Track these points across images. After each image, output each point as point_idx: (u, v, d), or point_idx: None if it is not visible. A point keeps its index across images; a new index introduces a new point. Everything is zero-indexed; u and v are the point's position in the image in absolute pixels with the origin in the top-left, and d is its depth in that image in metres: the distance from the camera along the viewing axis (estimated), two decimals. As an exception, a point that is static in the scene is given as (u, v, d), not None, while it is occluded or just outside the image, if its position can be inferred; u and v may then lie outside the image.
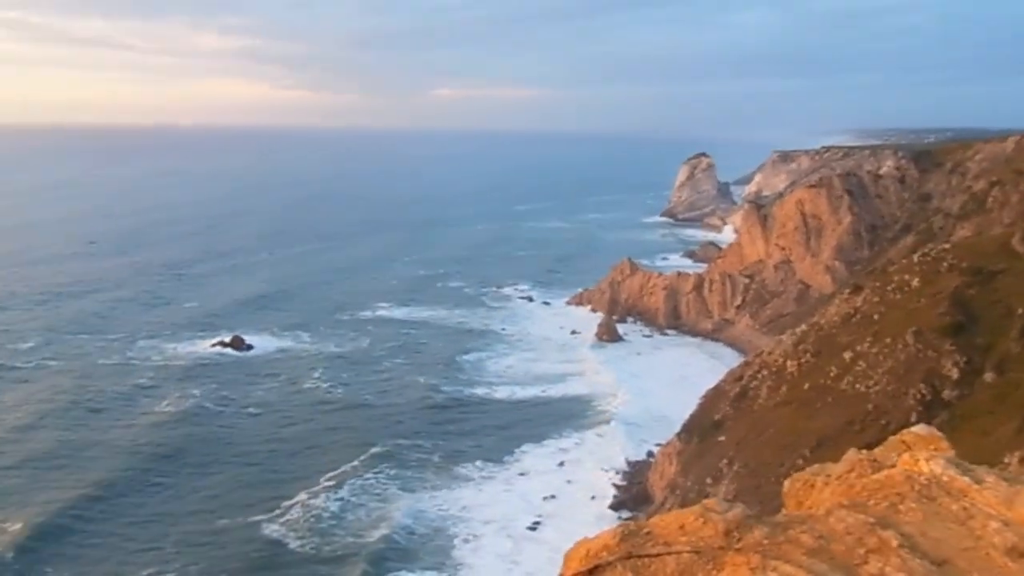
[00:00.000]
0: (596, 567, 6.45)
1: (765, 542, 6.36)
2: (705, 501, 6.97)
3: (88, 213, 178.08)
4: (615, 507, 50.54)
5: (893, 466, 7.14)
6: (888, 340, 45.65)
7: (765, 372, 54.47)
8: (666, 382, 74.90)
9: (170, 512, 48.47)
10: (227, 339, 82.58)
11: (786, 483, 7.71)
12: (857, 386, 44.40)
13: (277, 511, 48.94)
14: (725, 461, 47.00)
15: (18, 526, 45.65)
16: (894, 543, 6.10)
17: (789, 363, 52.72)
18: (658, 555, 6.38)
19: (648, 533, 6.66)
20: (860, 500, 6.87)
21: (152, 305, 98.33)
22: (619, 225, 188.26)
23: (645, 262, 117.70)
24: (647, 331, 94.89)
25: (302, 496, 50.75)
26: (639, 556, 6.44)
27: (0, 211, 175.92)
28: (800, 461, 37.27)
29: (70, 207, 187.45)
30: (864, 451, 7.59)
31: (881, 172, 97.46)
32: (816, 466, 7.68)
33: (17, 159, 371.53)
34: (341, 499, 50.84)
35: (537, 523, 49.09)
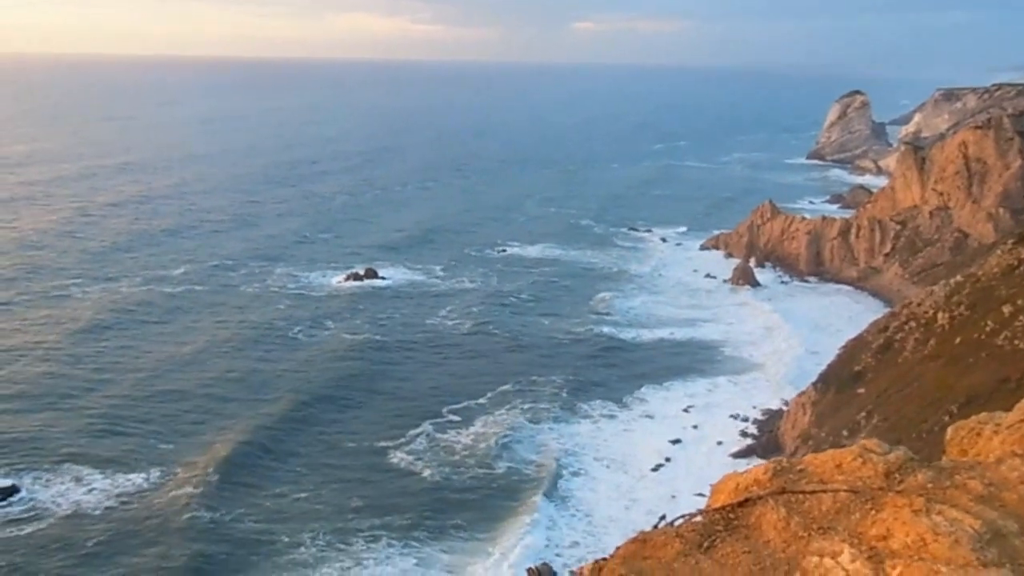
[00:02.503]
0: (746, 500, 6.43)
1: (929, 486, 6.20)
2: (863, 441, 6.79)
3: (240, 147, 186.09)
4: (743, 454, 49.12)
5: (1071, 416, 6.52)
6: (1056, 294, 41.80)
7: (913, 324, 51.24)
8: (804, 330, 71.83)
9: (298, 436, 50.34)
10: (361, 271, 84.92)
11: (949, 430, 7.30)
12: (1016, 342, 41.01)
13: (403, 440, 50.24)
14: (863, 414, 44.70)
15: (169, 446, 48.77)
16: (1072, 494, 5.59)
17: (940, 315, 49.35)
18: (813, 492, 6.31)
19: (802, 470, 6.66)
20: (1035, 450, 6.30)
21: (292, 236, 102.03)
22: (762, 166, 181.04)
23: (788, 205, 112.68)
24: (786, 277, 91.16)
25: (427, 427, 51.90)
26: (792, 492, 6.38)
27: (164, 144, 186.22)
28: (947, 418, 34.87)
29: (224, 141, 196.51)
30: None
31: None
32: (984, 414, 7.30)
33: (171, 94, 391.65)
34: (465, 431, 51.68)
35: (660, 465, 48.49)
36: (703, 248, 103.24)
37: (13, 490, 43.28)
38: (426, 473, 46.52)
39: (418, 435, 50.90)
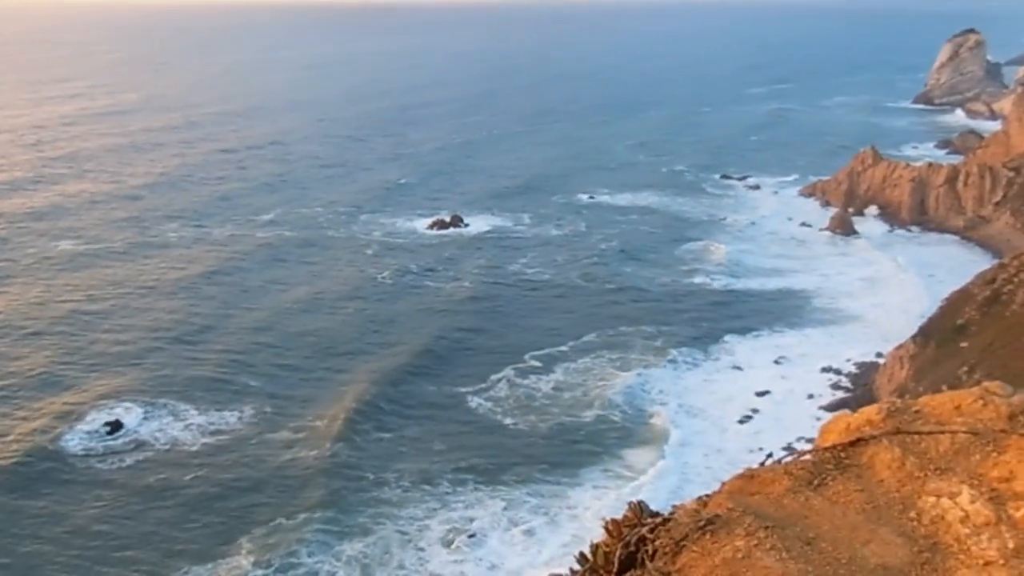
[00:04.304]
0: (858, 440, 6.37)
1: (1057, 430, 5.93)
2: (985, 384, 6.70)
3: (337, 94, 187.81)
4: (833, 407, 47.63)
5: None
6: None
7: (1023, 275, 48.34)
8: (903, 281, 68.90)
9: (379, 379, 50.92)
10: (447, 218, 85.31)
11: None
12: None
13: (484, 385, 50.54)
14: (965, 368, 42.62)
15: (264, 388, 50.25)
16: None
17: (1054, 266, 46.39)
18: (930, 433, 6.20)
19: (917, 412, 6.57)
20: None
21: (382, 183, 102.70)
22: (865, 110, 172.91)
23: (891, 151, 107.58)
24: (887, 226, 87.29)
25: (509, 371, 52.00)
26: (908, 432, 6.30)
27: (266, 92, 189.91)
28: (1057, 375, 32.86)
29: (322, 88, 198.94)
30: None
31: None
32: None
33: (277, 38, 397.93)
34: (547, 377, 51.59)
35: (748, 417, 47.59)
36: (799, 195, 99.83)
37: (117, 425, 45.52)
38: (508, 419, 46.75)
39: (499, 380, 51.07)
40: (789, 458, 6.66)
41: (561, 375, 51.95)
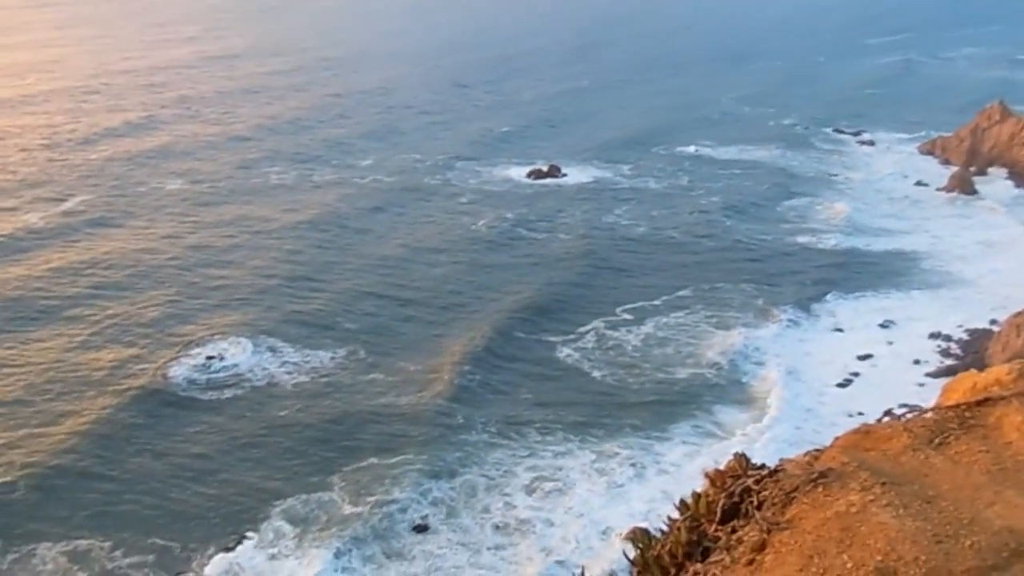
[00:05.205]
0: (985, 400, 6.18)
1: None
2: None
3: (440, 43, 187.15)
4: (940, 374, 45.42)
5: None
6: None
7: None
8: (1025, 245, 64.90)
9: (466, 326, 51.18)
10: (544, 168, 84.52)
11: None
12: None
13: (572, 335, 50.10)
14: (1091, 340, 39.87)
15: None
16: None
17: None
18: None
19: None
20: None
21: (481, 133, 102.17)
22: (993, 62, 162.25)
23: (1021, 108, 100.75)
24: (1013, 187, 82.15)
25: (598, 323, 51.41)
26: None
27: (369, 38, 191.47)
28: None
29: (425, 35, 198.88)
30: None
31: None
32: None
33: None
34: (637, 330, 50.79)
35: (848, 380, 45.90)
36: (916, 152, 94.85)
37: (219, 359, 47.32)
38: (597, 372, 46.29)
39: (588, 332, 50.48)
40: (908, 415, 6.21)
41: (653, 329, 50.97)
